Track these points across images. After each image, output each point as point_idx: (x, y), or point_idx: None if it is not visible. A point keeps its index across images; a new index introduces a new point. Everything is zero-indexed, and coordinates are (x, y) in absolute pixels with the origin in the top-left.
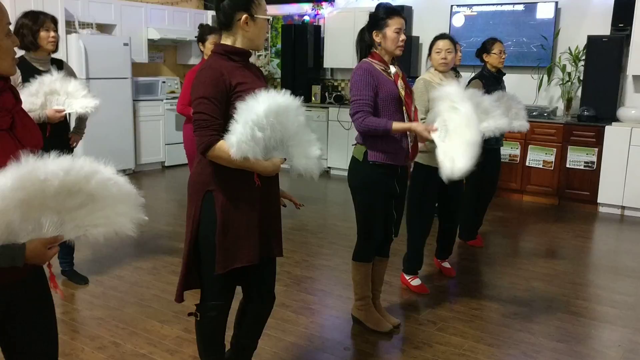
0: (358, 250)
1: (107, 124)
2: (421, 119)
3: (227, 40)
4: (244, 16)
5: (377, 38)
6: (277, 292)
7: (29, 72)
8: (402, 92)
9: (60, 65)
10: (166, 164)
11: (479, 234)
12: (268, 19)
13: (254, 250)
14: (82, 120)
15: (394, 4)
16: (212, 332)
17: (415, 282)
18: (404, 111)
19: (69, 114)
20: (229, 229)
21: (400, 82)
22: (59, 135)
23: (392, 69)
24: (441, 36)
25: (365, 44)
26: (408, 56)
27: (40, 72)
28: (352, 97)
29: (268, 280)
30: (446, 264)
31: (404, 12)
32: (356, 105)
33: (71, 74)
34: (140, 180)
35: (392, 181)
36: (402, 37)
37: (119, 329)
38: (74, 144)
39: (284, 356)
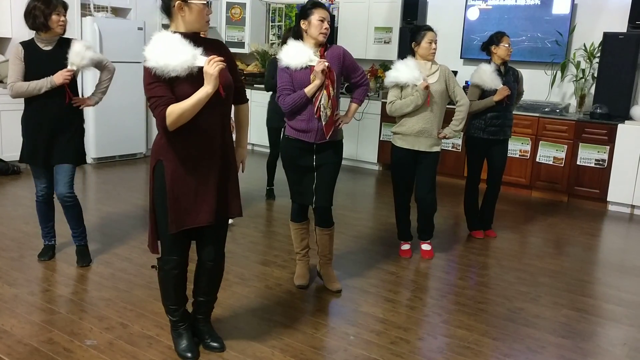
0: (291, 211)
1: (119, 108)
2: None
3: (172, 27)
4: (177, 3)
5: (304, 25)
6: (285, 279)
7: (32, 51)
8: (313, 77)
9: (68, 43)
10: None
11: (491, 228)
12: (205, 3)
13: (207, 213)
14: (101, 81)
15: None
16: (169, 283)
17: (403, 247)
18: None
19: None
20: (180, 195)
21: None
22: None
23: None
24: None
25: (297, 36)
26: None
27: (42, 52)
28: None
29: (219, 241)
30: (426, 246)
31: (418, 5)
32: (278, 90)
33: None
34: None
35: (308, 155)
36: (325, 25)
37: (127, 311)
38: (79, 105)
39: (289, 342)
